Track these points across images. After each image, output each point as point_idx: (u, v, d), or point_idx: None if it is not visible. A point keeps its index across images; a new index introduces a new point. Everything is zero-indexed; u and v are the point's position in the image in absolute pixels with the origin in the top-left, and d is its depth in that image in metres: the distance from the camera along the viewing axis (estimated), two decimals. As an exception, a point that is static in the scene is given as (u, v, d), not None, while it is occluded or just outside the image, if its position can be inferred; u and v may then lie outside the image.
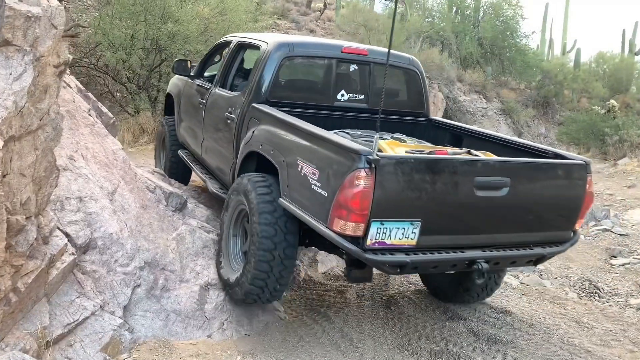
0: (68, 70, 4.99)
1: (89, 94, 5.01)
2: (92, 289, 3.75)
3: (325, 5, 31.36)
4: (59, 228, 3.69)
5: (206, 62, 6.38)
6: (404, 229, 3.36)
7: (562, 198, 3.94)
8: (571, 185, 3.95)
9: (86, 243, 3.86)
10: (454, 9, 27.26)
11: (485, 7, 26.91)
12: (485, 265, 3.60)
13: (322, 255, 7.23)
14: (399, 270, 3.56)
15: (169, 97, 7.23)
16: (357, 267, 3.82)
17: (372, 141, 3.59)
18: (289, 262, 3.93)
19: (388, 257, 3.36)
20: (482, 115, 24.58)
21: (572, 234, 4.12)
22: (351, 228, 3.26)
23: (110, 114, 5.30)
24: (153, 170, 6.32)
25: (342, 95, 4.99)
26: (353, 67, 5.09)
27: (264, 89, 4.66)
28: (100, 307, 3.70)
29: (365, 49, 5.15)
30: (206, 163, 5.73)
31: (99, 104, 5.15)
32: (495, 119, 24.94)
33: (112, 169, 4.50)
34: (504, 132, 24.56)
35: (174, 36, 11.59)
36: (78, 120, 4.44)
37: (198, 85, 6.02)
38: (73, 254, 3.68)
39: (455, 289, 5.04)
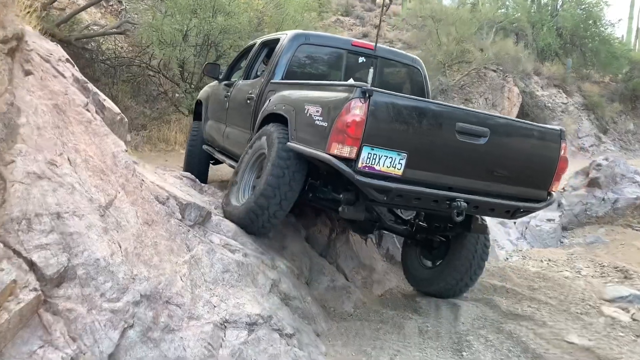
0: (66, 60, 4.13)
1: (89, 84, 4.11)
2: (63, 334, 2.82)
3: (390, 0, 30.11)
4: (20, 255, 2.80)
5: (234, 66, 6.84)
6: (392, 158, 3.74)
7: (536, 158, 4.23)
8: (545, 148, 4.23)
9: (59, 273, 2.94)
10: (530, -2, 25.22)
11: (564, -5, 24.75)
12: (464, 204, 3.89)
13: (379, 273, 6.13)
14: (384, 198, 3.81)
15: (198, 104, 7.64)
16: (350, 205, 4.14)
17: None
18: (285, 203, 4.31)
19: (376, 182, 3.71)
20: (562, 111, 22.54)
21: (547, 195, 4.36)
22: (346, 151, 3.67)
23: (116, 109, 4.39)
24: (181, 174, 5.42)
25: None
26: (361, 59, 5.53)
27: (280, 70, 5.24)
28: (72, 358, 2.78)
29: (373, 45, 5.38)
30: (227, 149, 6.23)
31: (102, 97, 4.25)
32: (577, 115, 22.83)
33: (110, 175, 3.59)
34: (587, 130, 22.48)
35: (226, 31, 10.80)
36: (69, 116, 3.56)
37: (225, 84, 6.54)
38: (36, 289, 2.78)
39: (435, 277, 5.26)
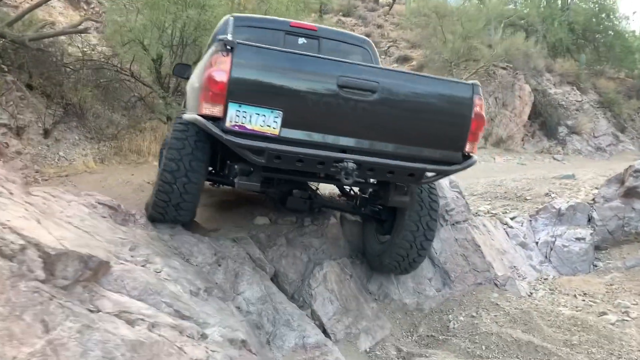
0: None
1: None
2: None
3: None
4: None
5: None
6: (265, 116, 3.46)
7: (443, 116, 3.80)
8: (454, 104, 3.79)
9: None
10: (539, -8, 23.71)
11: (575, -12, 23.25)
12: (352, 165, 3.50)
13: (367, 319, 4.70)
14: (262, 160, 3.49)
15: None
16: (245, 175, 3.91)
17: None
18: (193, 176, 3.97)
19: (248, 142, 3.43)
20: (577, 109, 20.96)
21: (462, 156, 3.86)
22: (212, 109, 3.40)
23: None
24: (98, 201, 4.04)
25: None
26: (302, 40, 5.13)
27: None
28: None
29: (315, 26, 5.31)
30: None
31: None
32: (592, 113, 21.24)
33: None
34: (603, 129, 20.88)
35: (202, 27, 9.45)
36: None
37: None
38: None
39: (384, 252, 4.80)
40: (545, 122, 19.51)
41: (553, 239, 6.55)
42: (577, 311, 4.77)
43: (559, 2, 23.76)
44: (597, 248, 6.59)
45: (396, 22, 27.50)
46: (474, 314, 4.80)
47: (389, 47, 24.85)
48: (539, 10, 22.70)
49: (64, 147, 9.28)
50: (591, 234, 6.60)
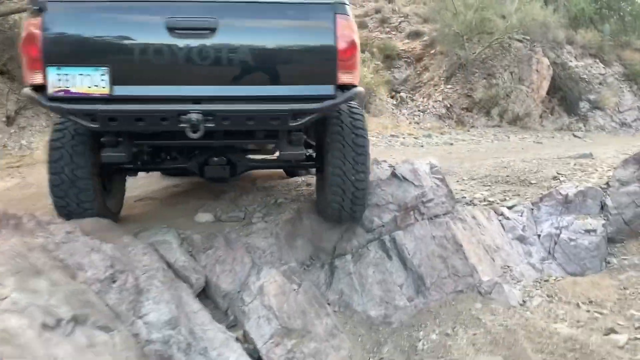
0: None
1: None
2: None
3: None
4: None
5: None
6: (90, 75, 3.18)
7: (300, 45, 3.33)
8: (311, 29, 3.34)
9: None
10: (559, -43, 22.07)
11: (599, -49, 21.62)
12: (195, 117, 3.17)
13: (317, 339, 3.81)
14: (97, 125, 3.24)
15: None
16: (112, 146, 3.65)
17: None
18: (79, 160, 3.70)
19: (75, 106, 3.19)
20: (600, 83, 19.53)
21: (338, 89, 3.34)
22: (32, 76, 3.17)
23: None
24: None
25: None
26: None
27: None
28: None
29: None
30: None
31: None
32: (617, 87, 19.79)
33: None
34: (629, 103, 19.45)
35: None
36: None
37: None
38: None
39: (322, 201, 4.27)
40: (565, 98, 18.18)
41: (558, 231, 5.53)
42: (577, 328, 3.79)
43: (581, -32, 22.16)
44: (610, 241, 5.56)
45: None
46: (449, 332, 3.88)
47: (400, 23, 23.61)
48: (558, -22, 21.18)
49: (27, 134, 8.56)
50: (604, 224, 5.56)
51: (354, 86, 3.40)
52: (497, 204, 5.91)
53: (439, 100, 18.07)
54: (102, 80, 3.16)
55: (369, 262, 4.41)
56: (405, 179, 4.63)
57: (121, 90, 3.19)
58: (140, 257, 3.58)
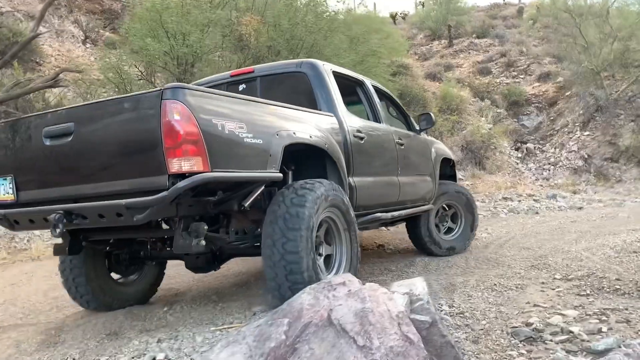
0: None
1: None
2: None
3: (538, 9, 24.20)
4: None
5: None
6: (3, 185, 3.60)
7: (132, 136, 3.21)
8: (142, 119, 3.17)
9: None
10: None
11: None
12: (55, 217, 3.24)
13: None
14: (8, 227, 3.66)
15: None
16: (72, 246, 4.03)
17: None
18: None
19: None
20: None
21: (170, 178, 3.02)
22: None
23: None
24: None
25: None
26: (242, 86, 5.21)
27: None
28: None
29: (252, 68, 5.31)
30: None
31: None
32: None
33: None
34: None
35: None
36: None
37: None
38: None
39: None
40: None
41: None
42: None
43: None
44: None
45: (541, 35, 23.06)
46: None
47: (528, 65, 20.62)
48: None
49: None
50: None
51: (201, 172, 3.03)
52: (583, 340, 3.42)
53: (574, 150, 14.82)
54: (11, 188, 3.57)
55: None
56: (343, 330, 2.51)
57: (24, 195, 3.56)
58: None
